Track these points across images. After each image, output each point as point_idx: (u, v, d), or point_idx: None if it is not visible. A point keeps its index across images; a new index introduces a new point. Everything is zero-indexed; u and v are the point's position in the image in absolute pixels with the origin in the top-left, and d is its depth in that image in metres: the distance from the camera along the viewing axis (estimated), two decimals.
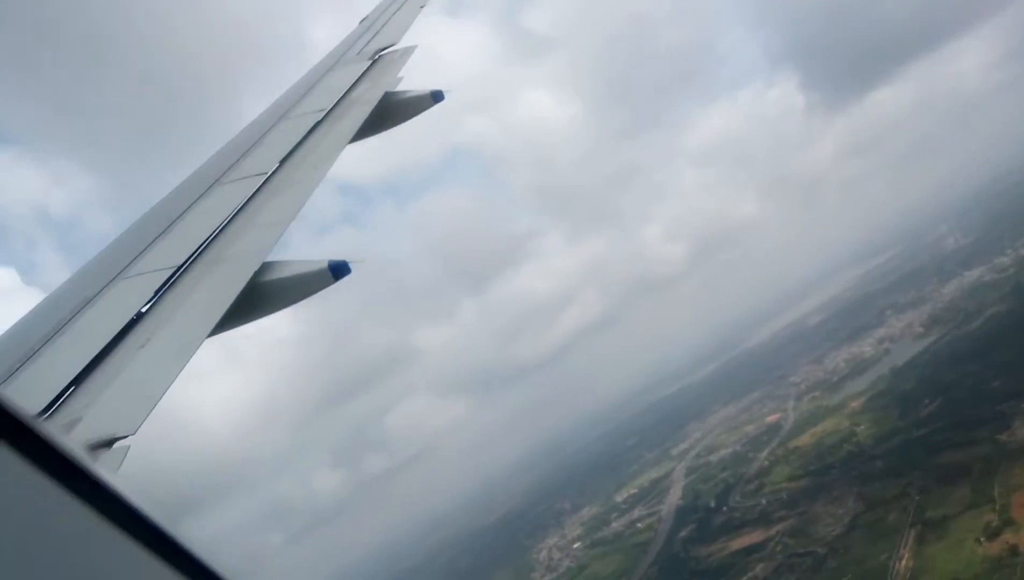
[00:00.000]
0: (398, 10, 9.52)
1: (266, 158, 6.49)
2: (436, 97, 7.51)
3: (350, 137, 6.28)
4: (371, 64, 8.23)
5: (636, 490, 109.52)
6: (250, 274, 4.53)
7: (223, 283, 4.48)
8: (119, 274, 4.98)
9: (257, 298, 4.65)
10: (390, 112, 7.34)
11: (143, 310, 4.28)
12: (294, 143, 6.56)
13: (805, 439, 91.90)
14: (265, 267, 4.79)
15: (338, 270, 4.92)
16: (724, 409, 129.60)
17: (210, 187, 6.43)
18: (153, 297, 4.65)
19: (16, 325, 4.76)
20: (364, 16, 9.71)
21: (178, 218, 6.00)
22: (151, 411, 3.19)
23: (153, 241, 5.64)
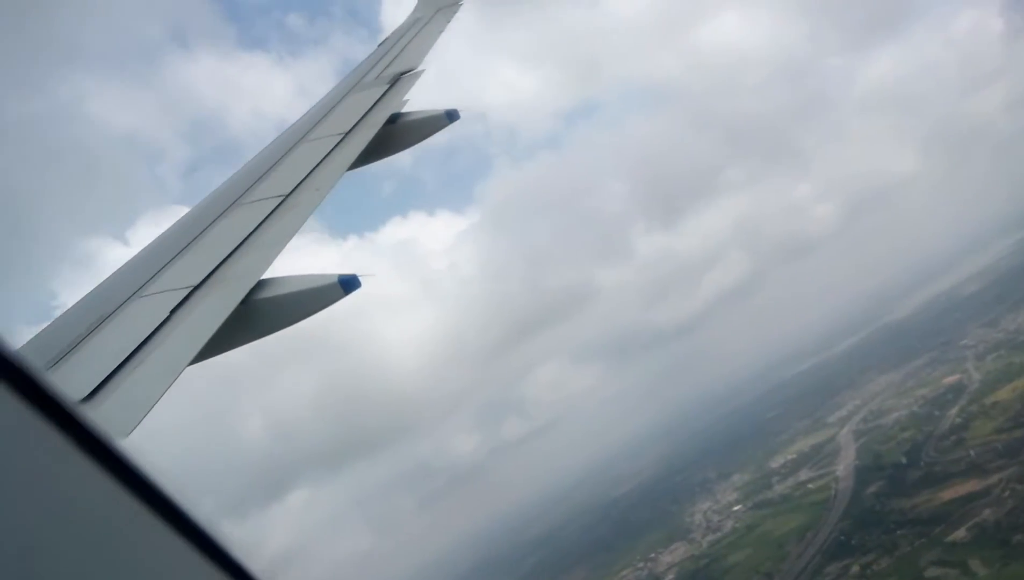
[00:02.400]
0: (417, 33, 9.65)
1: (284, 180, 6.57)
2: (451, 116, 7.63)
3: (352, 160, 6.38)
4: (389, 88, 8.33)
5: (794, 455, 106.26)
6: (242, 294, 4.61)
7: (217, 304, 4.55)
8: (136, 293, 5.05)
9: (259, 315, 4.74)
10: (402, 133, 7.45)
11: (154, 330, 4.32)
12: (311, 166, 6.64)
13: (1003, 394, 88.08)
14: (268, 284, 4.86)
15: (348, 284, 5.01)
16: (882, 377, 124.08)
17: (230, 207, 6.52)
18: (168, 317, 4.70)
19: (32, 341, 4.83)
20: (383, 39, 9.84)
21: (198, 237, 6.08)
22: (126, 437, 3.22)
23: (172, 259, 5.72)
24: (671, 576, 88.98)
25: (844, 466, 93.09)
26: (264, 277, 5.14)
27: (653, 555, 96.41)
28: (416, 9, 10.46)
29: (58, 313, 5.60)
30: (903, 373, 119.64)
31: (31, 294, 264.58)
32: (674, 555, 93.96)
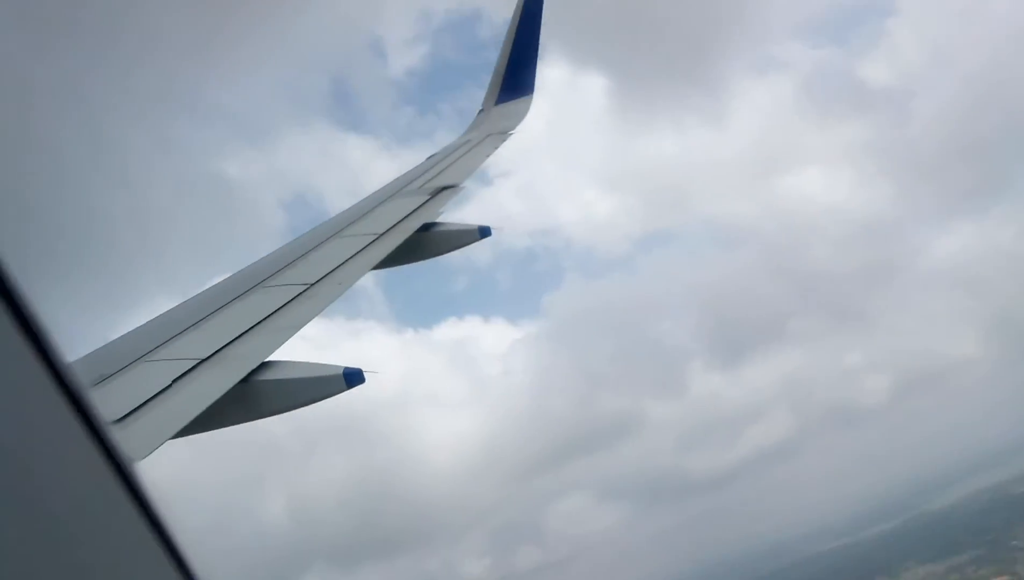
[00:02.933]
0: (465, 153, 10.08)
1: (311, 270, 6.72)
2: (483, 233, 7.89)
3: (377, 261, 6.55)
4: (429, 199, 8.63)
5: None
6: (242, 375, 4.64)
7: (217, 381, 4.57)
8: (143, 356, 5.08)
9: (259, 396, 4.74)
10: (434, 242, 7.67)
11: (151, 397, 4.31)
12: (339, 261, 6.80)
13: None
14: (273, 366, 4.88)
15: (352, 378, 5.02)
16: (922, 568, 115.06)
17: (253, 287, 6.65)
18: (169, 385, 4.71)
19: None
20: (432, 153, 10.28)
21: (215, 312, 6.17)
22: None
23: (187, 329, 5.79)
24: None
25: None
26: (272, 359, 5.18)
27: None
28: (468, 130, 10.98)
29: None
30: (945, 566, 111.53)
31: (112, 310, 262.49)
32: None
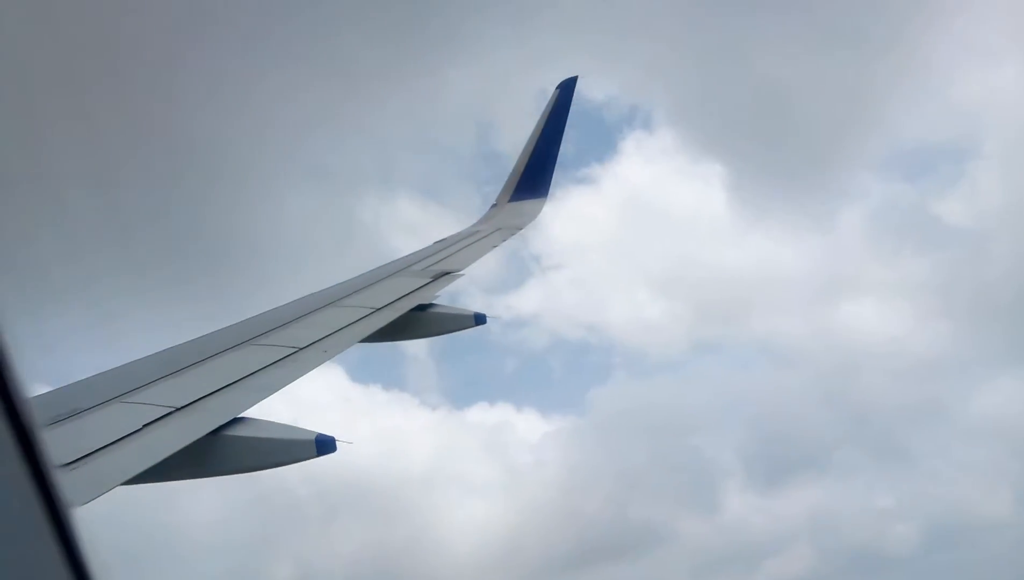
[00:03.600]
0: (472, 243, 10.34)
1: (302, 334, 6.81)
2: (479, 320, 8.03)
3: (366, 334, 6.65)
4: (430, 281, 8.81)
5: None
6: (211, 428, 4.66)
7: (186, 431, 4.59)
8: (119, 396, 5.11)
9: (226, 451, 4.74)
10: (427, 322, 7.80)
11: (117, 440, 4.33)
12: (332, 330, 6.90)
13: None
14: (246, 423, 4.90)
15: (324, 446, 5.01)
16: None
17: (241, 343, 6.72)
18: (139, 429, 4.72)
19: None
20: (441, 238, 10.53)
21: (200, 362, 6.22)
22: None
23: (168, 375, 5.83)
24: None
25: None
26: (247, 416, 5.20)
27: None
28: (479, 222, 11.29)
29: None
30: None
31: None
32: None
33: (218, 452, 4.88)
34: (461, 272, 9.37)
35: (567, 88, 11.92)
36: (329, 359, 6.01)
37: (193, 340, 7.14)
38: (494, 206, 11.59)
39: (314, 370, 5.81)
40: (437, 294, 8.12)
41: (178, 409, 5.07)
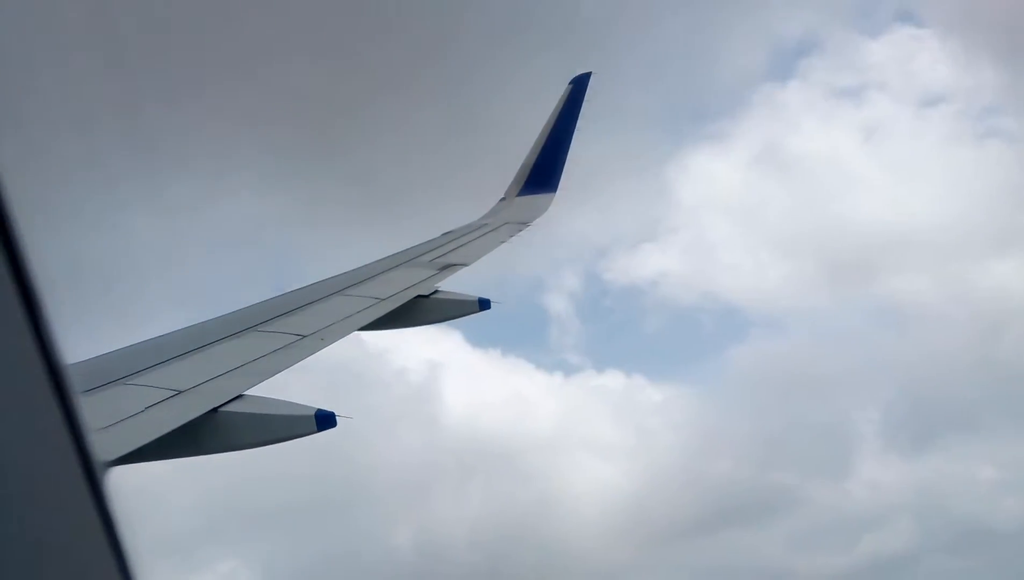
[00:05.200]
0: (480, 236, 10.39)
1: (306, 322, 6.91)
2: (483, 305, 8.09)
3: (365, 324, 6.73)
4: (436, 273, 8.88)
5: None
6: (210, 406, 4.75)
7: (182, 411, 4.68)
8: (121, 379, 5.22)
9: (227, 427, 4.83)
10: (430, 309, 7.88)
11: (116, 422, 4.43)
12: (335, 319, 7.00)
13: None
14: (246, 400, 4.99)
15: (324, 421, 5.10)
16: None
17: (246, 329, 6.82)
18: (140, 411, 4.83)
19: None
20: (449, 230, 10.59)
21: (205, 346, 6.33)
22: None
23: (171, 359, 5.94)
24: None
25: None
26: (247, 393, 5.30)
27: None
28: (487, 215, 11.33)
29: None
30: None
31: None
32: None
33: (217, 429, 4.97)
34: (468, 265, 9.43)
35: (580, 83, 11.92)
36: (325, 347, 6.09)
37: (197, 325, 7.26)
38: (503, 200, 11.62)
39: (311, 357, 5.90)
40: (438, 286, 8.19)
41: (180, 392, 5.18)
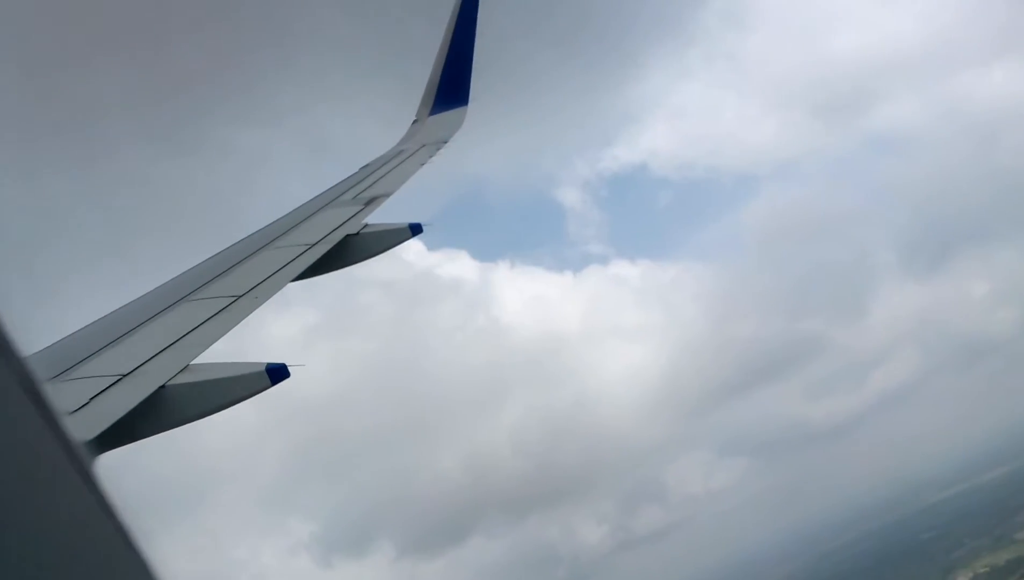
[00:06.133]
0: (399, 164, 10.24)
1: (238, 283, 6.80)
2: (415, 230, 8.02)
3: (300, 272, 6.68)
4: (362, 208, 8.77)
5: (986, 568, 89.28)
6: (158, 384, 4.74)
7: (130, 395, 4.67)
8: (64, 373, 5.13)
9: (179, 400, 4.83)
10: (363, 245, 7.79)
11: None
12: (268, 274, 6.91)
13: None
14: (194, 369, 4.99)
15: (276, 373, 5.12)
16: None
17: (180, 300, 6.70)
18: (86, 403, 4.78)
19: None
20: (366, 164, 10.41)
21: (141, 325, 6.22)
22: None
23: (108, 345, 5.83)
24: None
25: None
26: (194, 362, 5.27)
27: None
28: (402, 141, 11.13)
29: None
30: None
31: None
32: None
33: (169, 405, 4.96)
34: (392, 194, 9.33)
35: None
36: (261, 305, 6.05)
37: (129, 303, 7.11)
38: (415, 122, 11.40)
39: (250, 316, 5.86)
40: (365, 222, 8.11)
41: (124, 376, 5.12)
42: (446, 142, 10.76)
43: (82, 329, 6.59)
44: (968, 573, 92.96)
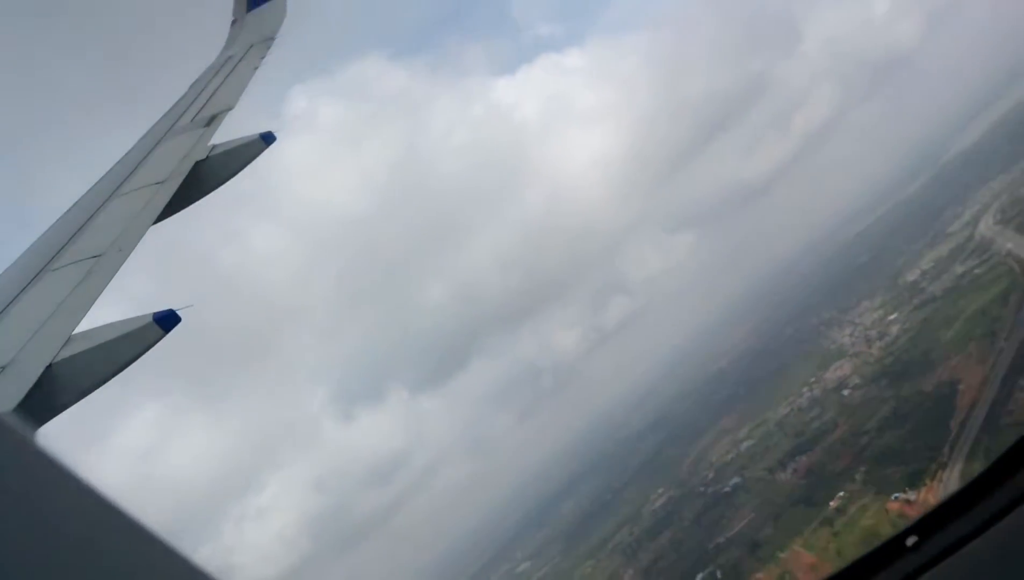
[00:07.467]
0: (231, 72, 9.55)
1: (95, 241, 6.39)
2: (267, 139, 7.62)
3: (156, 214, 6.33)
4: (205, 129, 8.23)
5: (931, 264, 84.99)
6: (43, 366, 4.56)
7: (14, 387, 4.47)
8: None
9: (70, 375, 4.67)
10: (218, 167, 7.38)
11: None
12: (125, 223, 6.49)
13: None
14: (76, 341, 4.79)
15: (166, 321, 4.96)
16: (999, 178, 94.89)
17: (38, 274, 6.27)
18: None
19: None
20: (195, 80, 9.67)
21: (3, 311, 5.83)
22: None
23: None
24: (859, 379, 69.99)
25: (1014, 244, 70.44)
26: (75, 332, 5.02)
27: (813, 379, 77.00)
28: (226, 46, 10.33)
29: None
30: (1010, 177, 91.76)
31: None
32: (842, 370, 73.62)
33: (63, 382, 4.76)
34: (233, 107, 8.76)
35: None
36: (127, 257, 5.75)
37: None
38: (234, 23, 10.54)
39: (119, 271, 5.58)
40: (211, 141, 7.64)
41: (3, 367, 4.85)
42: (273, 38, 10.07)
43: None
44: (916, 272, 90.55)
